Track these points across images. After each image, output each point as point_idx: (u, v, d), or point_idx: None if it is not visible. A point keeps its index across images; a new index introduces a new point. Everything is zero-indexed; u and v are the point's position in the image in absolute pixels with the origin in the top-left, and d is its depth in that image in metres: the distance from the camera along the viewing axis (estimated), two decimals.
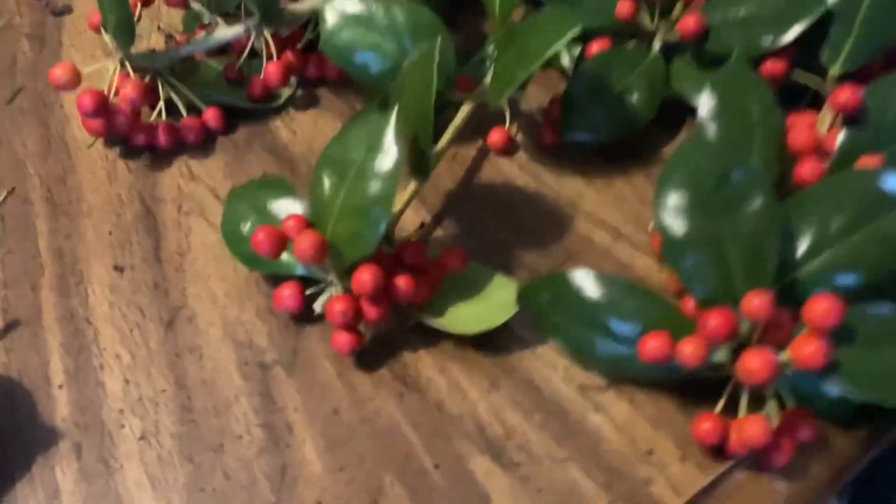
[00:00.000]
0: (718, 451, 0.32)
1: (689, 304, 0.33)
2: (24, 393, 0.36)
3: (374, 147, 0.33)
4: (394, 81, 0.39)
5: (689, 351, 0.30)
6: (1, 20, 0.54)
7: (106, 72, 0.44)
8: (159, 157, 0.45)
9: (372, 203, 0.33)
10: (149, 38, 0.51)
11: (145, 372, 0.36)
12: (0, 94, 0.50)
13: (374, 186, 0.33)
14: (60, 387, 0.36)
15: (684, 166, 0.31)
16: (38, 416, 0.35)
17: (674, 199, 0.31)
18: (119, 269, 0.40)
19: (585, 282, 0.33)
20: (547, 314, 0.34)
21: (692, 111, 0.43)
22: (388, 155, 0.33)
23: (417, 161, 0.35)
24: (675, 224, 0.31)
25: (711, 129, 0.35)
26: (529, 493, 0.31)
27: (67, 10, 0.55)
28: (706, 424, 0.31)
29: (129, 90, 0.41)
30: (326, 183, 0.34)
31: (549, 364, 0.35)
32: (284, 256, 0.37)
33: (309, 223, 0.34)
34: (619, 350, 0.33)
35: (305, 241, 0.33)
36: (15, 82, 0.50)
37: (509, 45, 0.38)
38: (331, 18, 0.41)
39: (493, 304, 0.36)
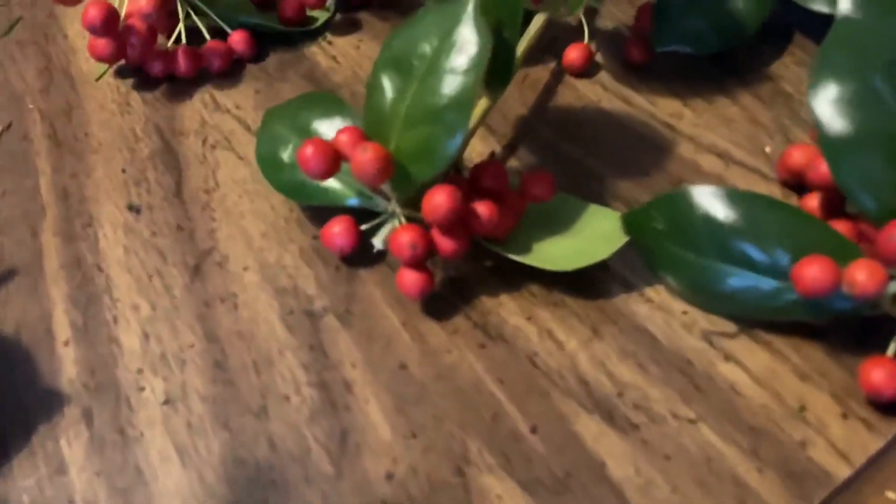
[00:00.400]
0: (886, 408, 0.25)
1: (844, 226, 0.27)
2: (23, 351, 0.29)
3: (449, 36, 0.27)
4: None
5: (863, 276, 0.23)
6: None
7: None
8: (179, 88, 0.39)
9: (447, 105, 0.26)
10: None
11: (169, 325, 0.30)
12: None
13: (451, 84, 0.26)
14: (66, 343, 0.30)
15: (845, 47, 0.25)
16: (39, 378, 0.29)
17: (834, 89, 0.25)
18: (135, 209, 0.34)
19: (712, 200, 0.27)
20: (662, 244, 0.28)
21: (801, 21, 0.37)
22: (468, 44, 0.26)
23: (497, 64, 0.29)
24: (837, 119, 0.25)
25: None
26: (654, 459, 0.25)
27: None
28: (880, 372, 0.24)
29: (144, 2, 0.35)
30: (388, 86, 0.28)
31: (661, 307, 0.29)
32: (333, 184, 0.31)
33: (367, 137, 0.28)
34: (758, 283, 0.26)
35: (367, 154, 0.26)
36: (12, 14, 0.44)
37: None
38: None
39: (593, 235, 0.29)
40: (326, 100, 0.32)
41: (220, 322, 0.29)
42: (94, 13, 0.34)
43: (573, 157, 0.34)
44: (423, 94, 0.27)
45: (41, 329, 0.30)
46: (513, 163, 0.34)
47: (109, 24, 0.35)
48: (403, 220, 0.29)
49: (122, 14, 0.37)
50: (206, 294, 0.30)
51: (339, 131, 0.28)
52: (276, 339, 0.29)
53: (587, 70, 0.37)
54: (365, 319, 0.29)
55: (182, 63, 0.38)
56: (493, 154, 0.34)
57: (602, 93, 0.36)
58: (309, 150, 0.27)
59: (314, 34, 0.41)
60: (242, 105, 0.38)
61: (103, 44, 0.36)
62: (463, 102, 0.26)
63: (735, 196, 0.27)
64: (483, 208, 0.28)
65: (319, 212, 0.32)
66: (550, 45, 0.38)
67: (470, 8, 0.27)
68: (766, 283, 0.26)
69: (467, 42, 0.26)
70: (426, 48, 0.27)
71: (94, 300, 0.31)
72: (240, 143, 0.36)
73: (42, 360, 0.29)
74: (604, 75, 0.37)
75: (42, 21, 0.43)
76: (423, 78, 0.27)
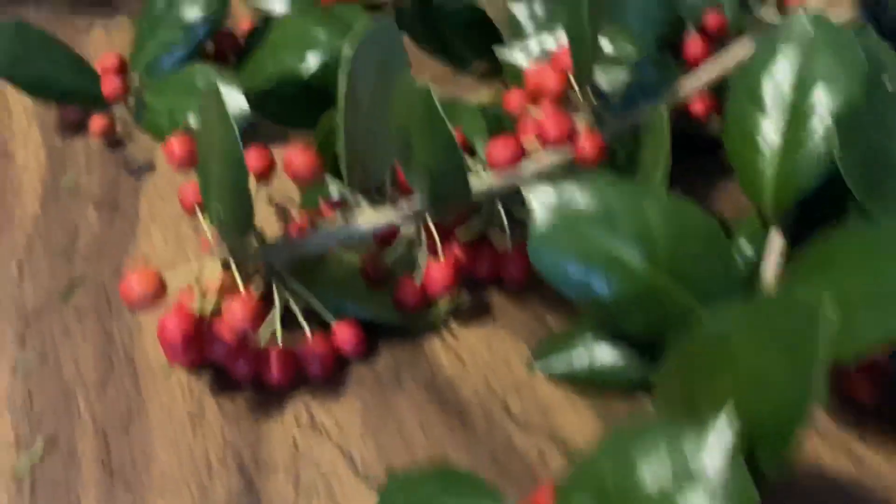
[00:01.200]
0: None
1: None
2: None
3: (686, 473, 0.18)
4: (639, 313, 0.26)
5: None
6: (66, 177, 0.42)
7: (199, 274, 0.30)
8: (267, 396, 0.31)
9: None
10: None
11: None
12: (52, 283, 0.37)
13: None
14: None
15: None
16: None
17: None
18: None
19: None
20: None
21: None
22: (715, 490, 0.18)
23: None
24: None
25: None
26: None
27: (149, 166, 0.43)
28: None
29: (238, 313, 0.27)
30: None
31: None
32: None
33: None
34: None
35: None
36: (73, 268, 0.37)
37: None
38: (541, 213, 0.27)
39: None
40: (466, 481, 0.24)
41: None
42: (174, 329, 0.27)
43: None
44: None
45: None
46: None
47: (193, 339, 0.28)
48: None
49: (209, 305, 0.30)
50: None
51: None
52: None
53: None
54: None
55: (275, 371, 0.30)
56: None
57: (821, 446, 0.28)
58: None
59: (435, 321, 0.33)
60: (346, 425, 0.30)
61: (181, 353, 0.29)
62: None
63: None
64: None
65: None
66: None
67: (722, 426, 0.18)
68: None
69: (715, 482, 0.18)
70: (647, 485, 0.19)
71: None
72: (342, 492, 0.28)
73: None
74: (820, 416, 0.29)
75: (106, 280, 0.36)
76: None
